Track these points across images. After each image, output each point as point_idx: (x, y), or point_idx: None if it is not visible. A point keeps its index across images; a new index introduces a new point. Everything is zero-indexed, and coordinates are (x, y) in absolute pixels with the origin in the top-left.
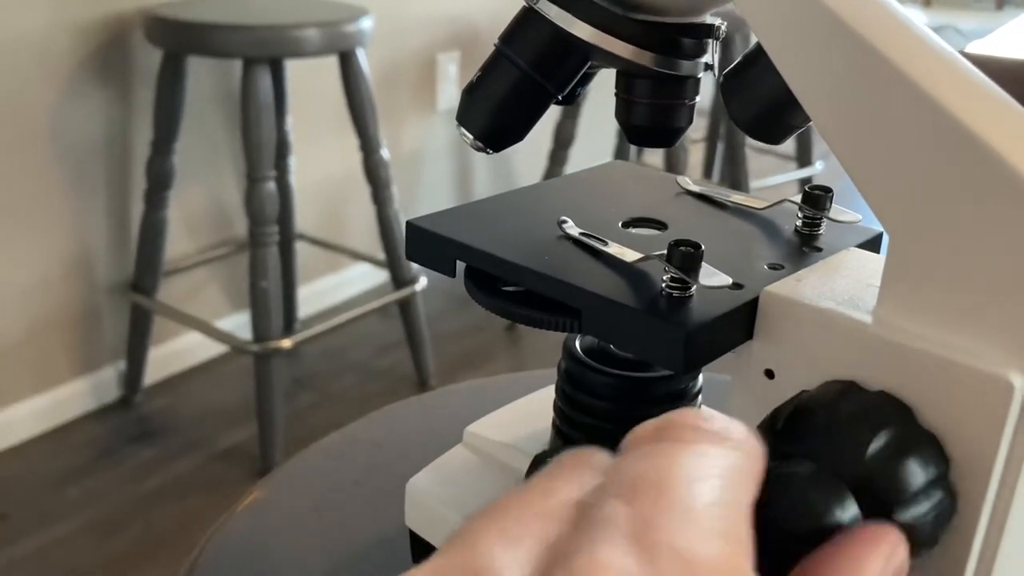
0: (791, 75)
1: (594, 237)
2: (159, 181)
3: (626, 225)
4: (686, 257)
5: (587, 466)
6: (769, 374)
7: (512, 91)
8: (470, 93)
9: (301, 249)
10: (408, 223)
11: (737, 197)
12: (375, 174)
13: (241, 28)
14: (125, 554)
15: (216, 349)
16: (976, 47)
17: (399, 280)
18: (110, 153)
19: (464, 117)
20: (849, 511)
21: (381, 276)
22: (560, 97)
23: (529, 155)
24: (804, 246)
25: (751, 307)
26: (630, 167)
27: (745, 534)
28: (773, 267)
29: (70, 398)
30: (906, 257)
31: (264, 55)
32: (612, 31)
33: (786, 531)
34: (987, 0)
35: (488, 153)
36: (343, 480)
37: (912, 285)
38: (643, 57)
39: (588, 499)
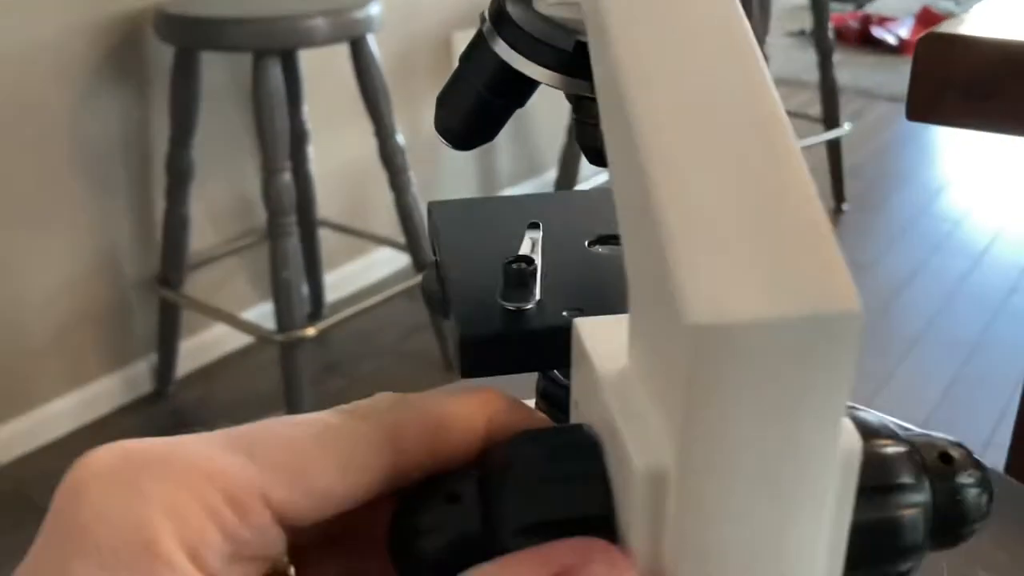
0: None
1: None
2: (180, 176)
3: (592, 243)
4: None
5: None
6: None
7: (474, 106)
8: (440, 104)
9: (325, 236)
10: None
11: None
12: (391, 160)
13: (249, 21)
14: None
15: (245, 339)
16: (949, 26)
17: (420, 263)
18: (130, 151)
19: (438, 125)
20: None
21: (406, 259)
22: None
23: (549, 134)
24: None
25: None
26: None
27: None
28: None
29: (104, 393)
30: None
31: (273, 47)
32: (557, 68)
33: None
34: None
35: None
36: None
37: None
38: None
39: None
